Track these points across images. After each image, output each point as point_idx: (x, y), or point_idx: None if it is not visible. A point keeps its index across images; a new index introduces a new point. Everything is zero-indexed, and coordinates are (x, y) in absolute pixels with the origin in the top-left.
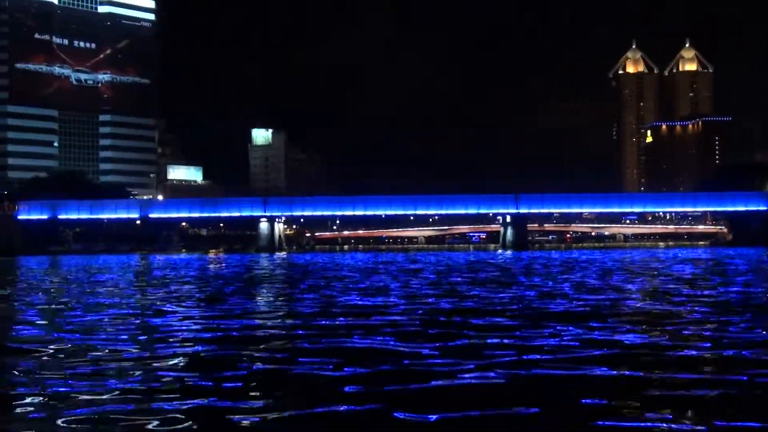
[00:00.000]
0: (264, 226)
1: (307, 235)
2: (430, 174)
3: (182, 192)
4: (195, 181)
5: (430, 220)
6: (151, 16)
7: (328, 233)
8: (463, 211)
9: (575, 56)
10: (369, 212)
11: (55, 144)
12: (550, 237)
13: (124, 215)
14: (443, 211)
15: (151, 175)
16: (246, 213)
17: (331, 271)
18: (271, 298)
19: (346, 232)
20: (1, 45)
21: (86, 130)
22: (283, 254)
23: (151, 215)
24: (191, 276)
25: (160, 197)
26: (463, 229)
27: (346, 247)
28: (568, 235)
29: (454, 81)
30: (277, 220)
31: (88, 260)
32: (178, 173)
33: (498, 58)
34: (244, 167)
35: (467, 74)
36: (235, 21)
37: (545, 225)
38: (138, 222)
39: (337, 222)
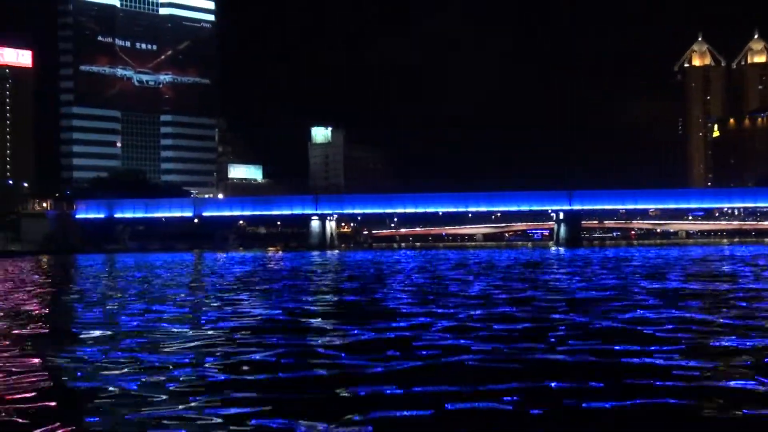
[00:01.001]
0: (315, 224)
1: (365, 232)
2: (486, 171)
3: (242, 191)
4: (255, 180)
5: (492, 217)
6: (211, 17)
7: (385, 231)
8: (515, 208)
9: (639, 50)
10: (421, 210)
11: (118, 144)
12: (614, 234)
13: (177, 213)
14: (495, 208)
15: (215, 174)
16: (297, 211)
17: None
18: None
19: (403, 230)
20: (66, 48)
21: (148, 130)
22: (335, 252)
23: (205, 213)
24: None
25: (220, 196)
26: (521, 226)
27: (403, 244)
28: (633, 232)
29: (518, 78)
30: (328, 218)
31: (147, 258)
32: (238, 172)
33: (560, 54)
34: (303, 165)
35: (530, 70)
36: (295, 20)
37: (605, 222)
38: (195, 220)
39: (395, 220)
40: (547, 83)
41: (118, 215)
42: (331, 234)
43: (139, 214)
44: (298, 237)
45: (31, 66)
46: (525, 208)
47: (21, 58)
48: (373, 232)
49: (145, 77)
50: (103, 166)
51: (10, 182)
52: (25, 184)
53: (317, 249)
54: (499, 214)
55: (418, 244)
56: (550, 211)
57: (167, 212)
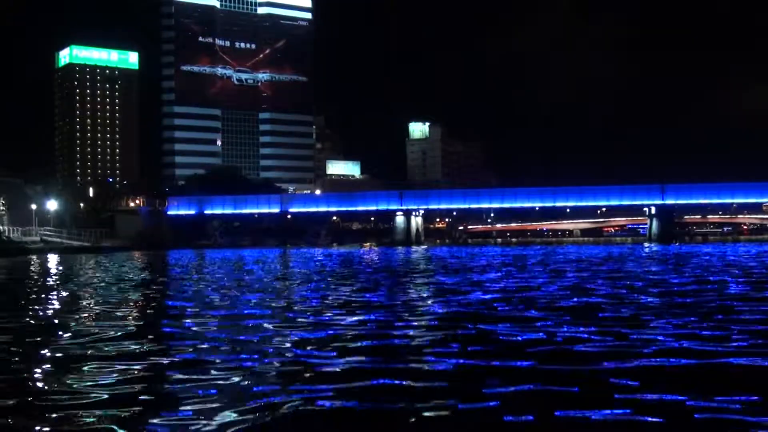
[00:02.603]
0: (400, 219)
1: (460, 228)
2: (582, 165)
3: (340, 187)
4: (353, 176)
5: (598, 212)
6: (308, 15)
7: (480, 226)
8: (604, 203)
9: (753, 41)
10: (507, 204)
11: (218, 142)
12: (725, 229)
13: (265, 210)
14: (584, 203)
15: (312, 170)
16: (382, 207)
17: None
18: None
19: (499, 225)
20: (168, 49)
21: (247, 128)
22: (420, 247)
23: (291, 210)
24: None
25: (317, 192)
26: (621, 221)
27: (499, 240)
28: (745, 227)
29: (625, 72)
30: (414, 213)
31: (238, 252)
32: (336, 168)
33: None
34: (401, 161)
35: (638, 65)
36: (392, 15)
37: (709, 216)
38: (288, 216)
39: (492, 215)
40: (650, 71)
41: (208, 211)
42: (417, 229)
43: (228, 210)
44: (390, 233)
45: (136, 67)
46: (615, 202)
47: (127, 59)
48: (469, 227)
49: (244, 76)
50: (203, 164)
51: (110, 180)
52: (125, 182)
53: (402, 245)
54: (604, 209)
55: (514, 239)
56: (644, 206)
57: (255, 208)
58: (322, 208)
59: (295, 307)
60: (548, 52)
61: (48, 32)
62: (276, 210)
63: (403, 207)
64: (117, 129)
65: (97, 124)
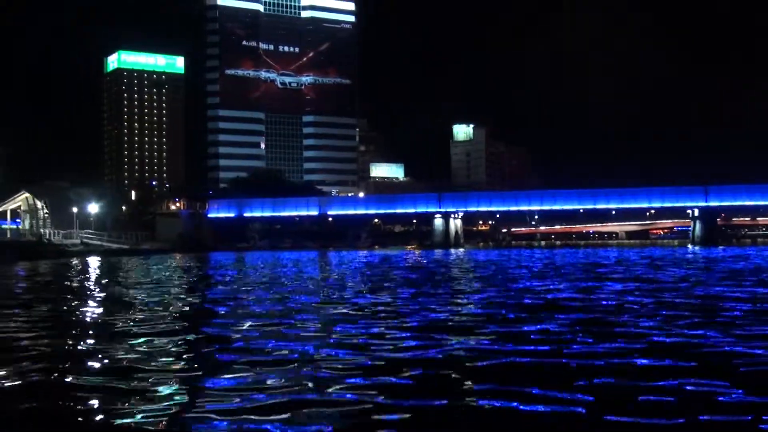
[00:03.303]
0: (438, 222)
1: (503, 230)
2: (630, 168)
3: (383, 189)
4: (396, 178)
5: (647, 214)
6: (351, 18)
7: (524, 228)
8: (646, 205)
9: None
10: (547, 206)
11: (262, 145)
12: None
13: (303, 212)
14: (625, 205)
15: (356, 173)
16: (421, 209)
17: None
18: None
19: (542, 228)
20: (213, 53)
21: (291, 131)
22: (459, 250)
23: (329, 212)
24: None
25: (360, 194)
26: (667, 223)
27: (543, 242)
28: None
29: (665, 72)
30: (452, 215)
31: (279, 255)
32: (380, 171)
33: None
34: (445, 163)
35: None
36: (435, 17)
37: (759, 219)
38: (329, 218)
39: (536, 217)
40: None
41: (247, 214)
42: (456, 232)
43: (267, 213)
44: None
45: (182, 72)
46: (656, 204)
47: (174, 64)
48: (512, 230)
49: (287, 79)
50: (247, 167)
51: (153, 183)
52: (167, 185)
53: (440, 247)
54: (653, 211)
55: (558, 242)
56: (687, 208)
57: (293, 211)
58: (360, 211)
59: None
60: (588, 52)
61: (98, 38)
62: (314, 212)
63: (442, 209)
64: (164, 133)
65: (144, 128)
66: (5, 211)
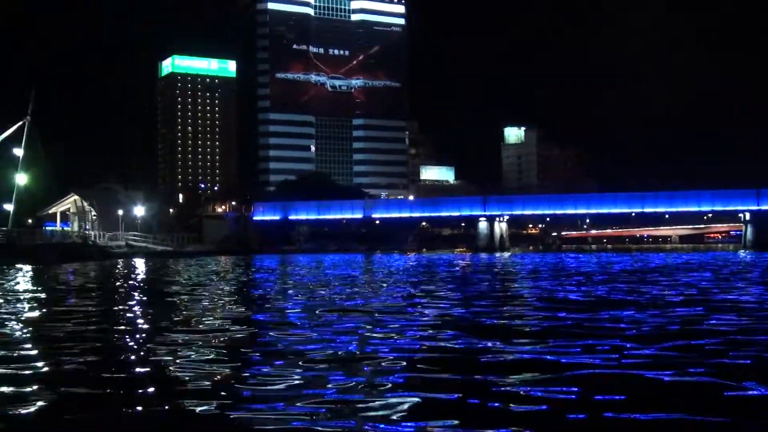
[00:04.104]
0: (483, 225)
1: (553, 234)
2: (682, 170)
3: (433, 192)
4: (447, 181)
5: (704, 218)
6: (402, 21)
7: (574, 232)
8: (695, 209)
9: None
10: (594, 210)
11: (313, 148)
12: None
13: (348, 215)
14: (673, 209)
15: (406, 176)
16: (465, 212)
17: None
18: None
19: (594, 231)
20: (263, 57)
21: (340, 134)
22: (506, 254)
23: (374, 215)
24: None
25: (410, 197)
26: (723, 227)
27: (594, 246)
28: None
29: (715, 72)
30: (498, 219)
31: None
32: (430, 173)
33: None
34: (496, 166)
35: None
36: (485, 19)
37: None
38: (377, 222)
39: (587, 221)
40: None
41: (292, 217)
42: (501, 235)
43: (312, 216)
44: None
45: (234, 75)
46: (706, 208)
47: (227, 68)
48: (563, 233)
49: (337, 82)
50: (297, 170)
51: (202, 186)
52: (215, 188)
53: (485, 251)
54: (710, 215)
55: (609, 246)
56: (738, 212)
57: (338, 214)
58: (405, 214)
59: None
60: (642, 53)
61: (152, 43)
62: (359, 215)
63: (486, 212)
64: (216, 136)
65: (197, 131)
66: (55, 213)
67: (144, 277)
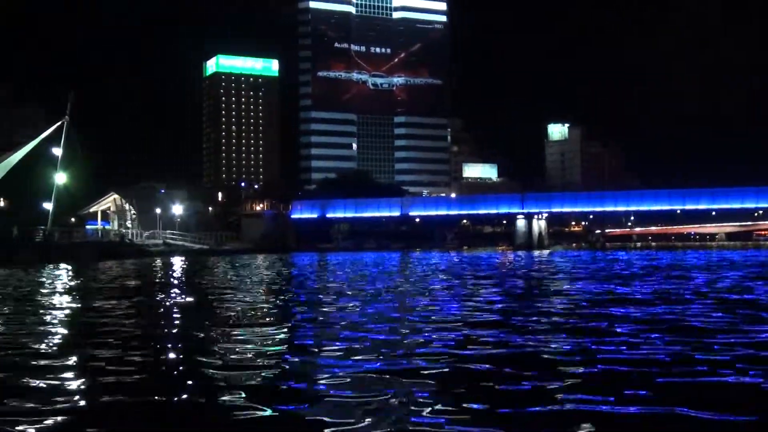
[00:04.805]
0: (521, 223)
1: (597, 231)
2: (724, 163)
3: (476, 189)
4: (489, 179)
5: (755, 214)
6: (443, 18)
7: (618, 230)
8: (738, 206)
9: None
10: (634, 207)
11: (354, 146)
12: None
13: (386, 213)
14: (715, 206)
15: (449, 173)
16: (503, 210)
17: None
18: None
19: (638, 229)
20: (305, 56)
21: (382, 132)
22: (543, 252)
23: (411, 213)
24: None
25: (453, 195)
26: None
27: (638, 244)
28: None
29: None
30: (536, 216)
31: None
32: (473, 171)
33: None
34: (539, 163)
35: None
36: (527, 17)
37: None
38: (417, 220)
39: (632, 218)
40: None
41: (330, 215)
42: (540, 233)
43: (350, 214)
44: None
45: (277, 74)
46: (750, 205)
47: (270, 67)
48: (606, 231)
49: (379, 80)
50: (339, 168)
51: (243, 184)
52: (256, 186)
53: (523, 249)
54: (760, 212)
55: (654, 243)
56: None
57: (375, 212)
58: (442, 211)
59: None
60: (684, 51)
61: (196, 43)
62: (396, 213)
63: (524, 210)
64: (260, 135)
65: (241, 130)
66: (96, 212)
67: (183, 273)
